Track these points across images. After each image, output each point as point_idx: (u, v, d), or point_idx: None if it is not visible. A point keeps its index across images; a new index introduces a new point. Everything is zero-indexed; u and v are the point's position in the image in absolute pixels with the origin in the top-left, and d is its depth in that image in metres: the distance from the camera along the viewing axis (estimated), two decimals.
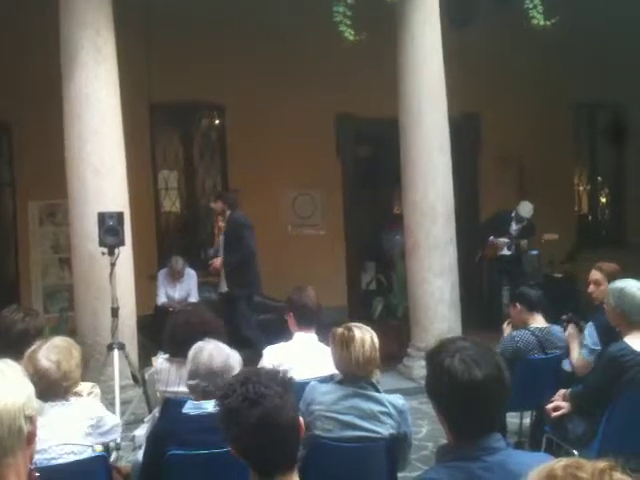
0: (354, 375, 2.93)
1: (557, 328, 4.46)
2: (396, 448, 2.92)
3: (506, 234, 8.26)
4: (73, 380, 2.79)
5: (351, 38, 5.67)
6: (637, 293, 3.54)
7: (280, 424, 1.76)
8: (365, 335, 2.92)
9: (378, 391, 2.94)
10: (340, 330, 2.98)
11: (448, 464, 1.84)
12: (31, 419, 1.42)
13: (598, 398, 3.55)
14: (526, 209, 8.19)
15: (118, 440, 3.08)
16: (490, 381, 1.80)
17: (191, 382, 2.70)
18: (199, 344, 2.78)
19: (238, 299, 6.80)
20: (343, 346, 2.91)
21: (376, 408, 2.86)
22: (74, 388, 2.87)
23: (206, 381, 2.64)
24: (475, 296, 8.29)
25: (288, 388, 1.84)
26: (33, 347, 2.76)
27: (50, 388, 2.66)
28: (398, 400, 2.94)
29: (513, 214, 8.29)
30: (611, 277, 4.08)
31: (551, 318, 4.59)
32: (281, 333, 4.11)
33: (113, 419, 2.96)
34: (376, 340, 2.95)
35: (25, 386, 1.44)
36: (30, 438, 1.43)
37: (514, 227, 8.33)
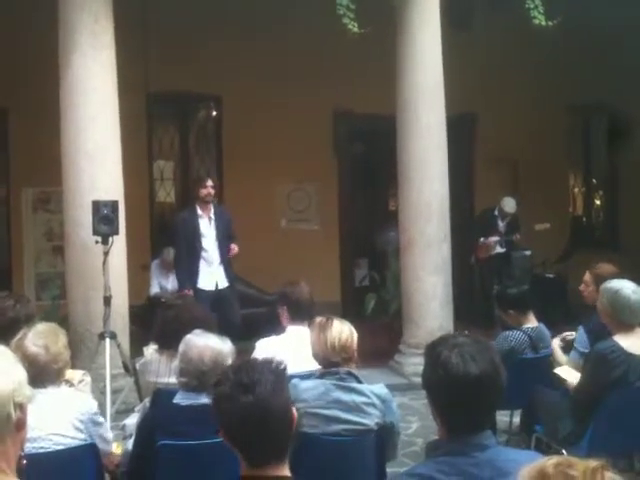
0: (330, 361, 2.92)
1: (544, 327, 4.51)
2: (383, 438, 2.92)
3: (495, 232, 8.29)
4: (63, 362, 2.79)
5: (355, 30, 5.64)
6: (632, 296, 3.55)
7: (273, 412, 1.76)
8: (344, 325, 2.97)
9: (360, 382, 2.93)
10: (320, 318, 3.04)
11: (437, 459, 1.85)
12: (21, 406, 1.41)
13: (589, 396, 3.56)
14: (510, 204, 8.24)
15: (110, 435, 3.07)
16: (485, 378, 1.81)
17: (182, 379, 2.71)
18: (189, 338, 2.77)
19: (235, 292, 6.56)
20: (320, 331, 2.95)
21: (359, 399, 2.85)
22: (66, 370, 2.87)
23: (196, 380, 2.65)
24: (467, 294, 8.31)
25: (281, 376, 1.85)
26: (19, 335, 2.76)
27: (42, 372, 2.66)
28: (381, 389, 2.94)
29: (496, 212, 8.33)
30: (603, 280, 4.08)
31: (541, 318, 4.62)
32: (272, 326, 4.11)
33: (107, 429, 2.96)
34: (355, 334, 2.98)
35: (16, 372, 1.43)
36: (20, 425, 1.42)
37: (501, 224, 8.37)
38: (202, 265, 6.27)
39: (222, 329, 5.54)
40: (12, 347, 2.66)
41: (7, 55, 7.35)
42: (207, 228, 6.32)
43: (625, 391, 3.49)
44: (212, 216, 6.35)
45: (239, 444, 1.79)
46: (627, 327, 3.55)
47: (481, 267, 8.41)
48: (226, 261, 6.34)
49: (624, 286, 3.62)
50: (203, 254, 6.28)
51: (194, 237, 6.26)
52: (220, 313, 6.24)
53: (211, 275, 6.30)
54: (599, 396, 3.48)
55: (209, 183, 6.35)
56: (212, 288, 6.29)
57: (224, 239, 6.31)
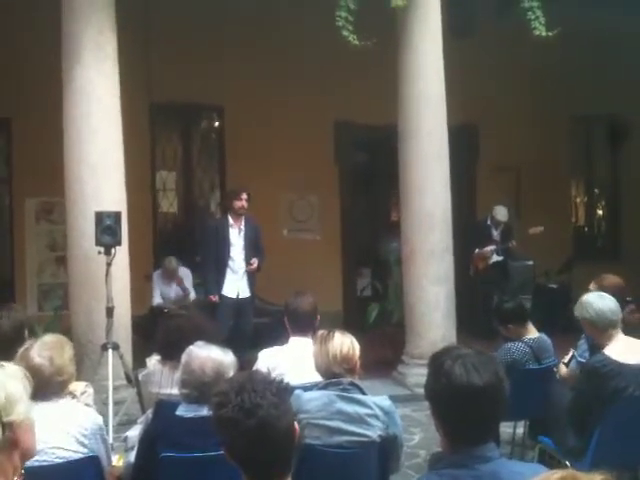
0: (332, 372, 2.91)
1: (545, 337, 4.49)
2: (386, 451, 2.90)
3: (490, 242, 8.31)
4: (68, 375, 2.77)
5: (355, 42, 5.67)
6: (596, 300, 3.63)
7: (275, 434, 1.75)
8: (345, 338, 2.97)
9: (364, 393, 2.91)
10: (322, 331, 3.05)
11: (440, 472, 1.84)
12: (10, 425, 1.37)
13: (585, 410, 3.55)
14: (502, 213, 8.32)
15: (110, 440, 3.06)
16: (488, 389, 1.80)
17: (183, 391, 2.71)
18: (191, 350, 2.76)
19: (253, 303, 6.68)
20: (322, 343, 2.95)
21: (362, 411, 2.83)
22: (70, 383, 2.85)
23: (197, 391, 2.65)
24: (469, 305, 8.29)
25: (284, 396, 1.83)
26: (25, 346, 2.75)
27: (46, 385, 2.63)
28: (384, 401, 2.91)
29: (489, 221, 8.38)
30: (608, 291, 4.08)
31: (545, 328, 4.60)
32: (276, 337, 4.11)
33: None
34: (356, 345, 2.98)
35: (3, 390, 1.38)
36: (12, 444, 1.39)
37: (495, 233, 8.40)
38: (227, 273, 6.45)
39: (234, 338, 5.59)
40: (17, 357, 2.66)
41: (11, 65, 7.39)
42: (236, 238, 6.51)
43: (627, 403, 3.47)
44: (242, 227, 6.55)
45: (242, 463, 1.78)
46: (608, 334, 3.58)
47: (481, 278, 8.41)
48: (255, 272, 6.51)
49: (590, 295, 3.72)
50: (230, 263, 6.47)
51: (223, 246, 6.46)
52: (236, 321, 6.33)
53: (234, 283, 6.47)
54: (596, 410, 3.46)
55: (244, 196, 6.50)
56: (234, 296, 6.47)
57: (251, 250, 6.47)
